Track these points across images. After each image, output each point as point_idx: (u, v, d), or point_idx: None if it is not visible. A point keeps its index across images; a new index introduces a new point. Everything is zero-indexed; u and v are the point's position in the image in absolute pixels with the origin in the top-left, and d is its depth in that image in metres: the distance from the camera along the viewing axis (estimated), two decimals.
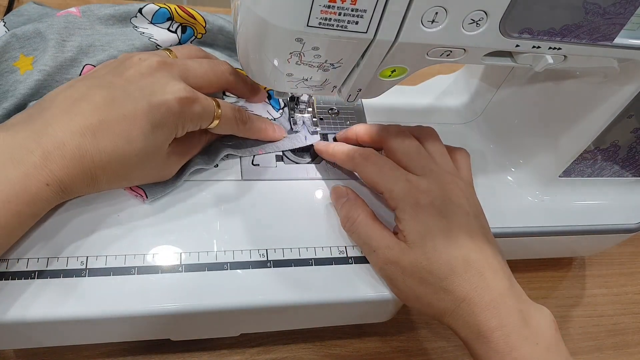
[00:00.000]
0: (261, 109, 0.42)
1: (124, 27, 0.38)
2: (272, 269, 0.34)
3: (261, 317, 0.35)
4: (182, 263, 0.33)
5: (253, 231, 0.36)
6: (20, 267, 0.31)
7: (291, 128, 0.42)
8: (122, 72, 0.32)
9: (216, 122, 0.35)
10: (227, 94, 0.42)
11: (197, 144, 0.37)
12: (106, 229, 0.33)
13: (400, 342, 0.45)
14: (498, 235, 0.40)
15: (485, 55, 0.31)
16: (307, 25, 0.26)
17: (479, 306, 0.31)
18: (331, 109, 0.46)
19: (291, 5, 0.25)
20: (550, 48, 0.30)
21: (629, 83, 0.36)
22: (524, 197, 0.45)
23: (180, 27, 0.40)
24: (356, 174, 0.40)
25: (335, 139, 0.43)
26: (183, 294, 0.32)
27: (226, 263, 0.34)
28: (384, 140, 0.38)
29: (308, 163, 0.42)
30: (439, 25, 0.27)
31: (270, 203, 0.38)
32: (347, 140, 0.41)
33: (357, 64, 0.31)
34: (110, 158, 0.29)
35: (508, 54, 0.32)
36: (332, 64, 0.30)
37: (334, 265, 0.35)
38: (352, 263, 0.36)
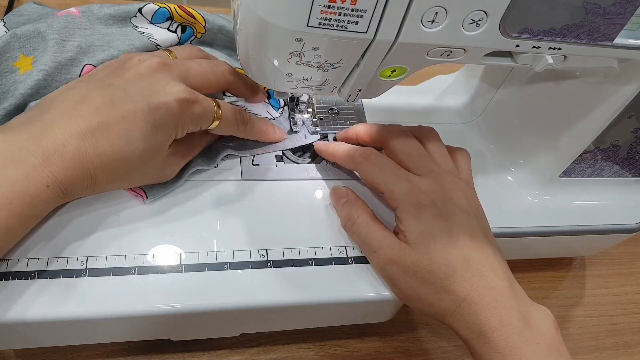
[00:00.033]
0: (261, 108, 0.42)
1: (124, 27, 0.38)
2: (272, 269, 0.34)
3: (261, 317, 0.35)
4: (182, 263, 0.33)
5: (253, 231, 0.36)
6: (21, 267, 0.31)
7: (291, 128, 0.42)
8: (121, 74, 0.32)
9: (216, 123, 0.34)
10: (227, 93, 0.42)
11: (197, 145, 0.37)
12: (106, 229, 0.33)
13: (400, 342, 0.45)
14: (498, 235, 0.40)
15: (485, 55, 0.31)
16: (307, 25, 0.26)
17: (479, 306, 0.31)
18: (331, 109, 0.46)
19: (291, 5, 0.25)
20: (550, 48, 0.30)
21: (629, 83, 0.36)
22: (524, 197, 0.45)
23: (180, 27, 0.40)
24: (356, 173, 0.40)
25: (335, 139, 0.43)
26: (183, 294, 0.32)
27: (226, 263, 0.34)
28: (385, 140, 0.38)
29: (308, 163, 0.42)
30: (439, 25, 0.27)
31: (270, 203, 0.38)
32: (347, 140, 0.41)
33: (357, 64, 0.31)
34: (110, 159, 0.29)
35: (508, 54, 0.32)
36: (332, 64, 0.30)
37: (334, 265, 0.35)
38: (352, 263, 0.36)
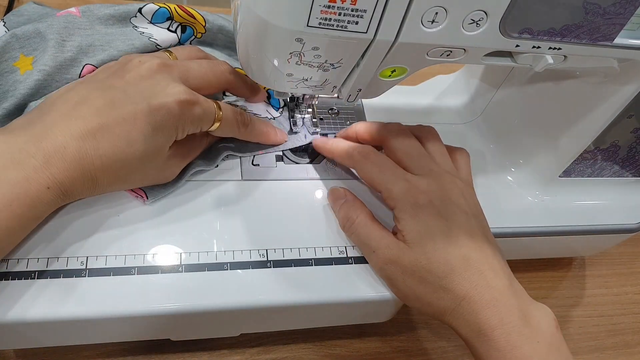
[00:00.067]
0: (261, 108, 0.42)
1: (124, 27, 0.38)
2: (272, 269, 0.34)
3: (261, 317, 0.35)
4: (182, 263, 0.33)
5: (253, 231, 0.36)
6: (21, 267, 0.31)
7: (291, 128, 0.42)
8: (122, 75, 0.32)
9: (217, 124, 0.34)
10: (227, 93, 0.42)
11: (198, 147, 0.37)
12: (106, 230, 0.33)
13: (400, 342, 0.45)
14: (498, 235, 0.40)
15: (485, 55, 0.31)
16: (307, 25, 0.26)
17: (479, 304, 0.31)
18: (331, 109, 0.46)
19: (291, 5, 0.25)
20: (550, 48, 0.30)
21: (629, 83, 0.36)
22: (524, 197, 0.45)
23: (180, 27, 0.40)
24: (354, 171, 0.40)
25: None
26: (183, 294, 0.32)
27: (226, 263, 0.34)
28: (385, 139, 0.38)
29: (308, 163, 0.42)
30: (439, 25, 0.27)
31: (270, 203, 0.38)
32: (347, 139, 0.41)
33: (357, 64, 0.31)
34: (110, 160, 0.29)
35: (508, 54, 0.32)
36: (332, 64, 0.30)
37: (334, 266, 0.35)
38: (352, 263, 0.36)
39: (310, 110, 0.43)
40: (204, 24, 0.41)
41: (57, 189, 0.28)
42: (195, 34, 0.41)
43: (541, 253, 0.51)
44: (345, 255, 0.36)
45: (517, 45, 0.29)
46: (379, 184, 0.35)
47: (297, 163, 0.41)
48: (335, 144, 0.39)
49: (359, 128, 0.40)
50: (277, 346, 0.42)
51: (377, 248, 0.34)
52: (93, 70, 0.36)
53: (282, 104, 0.44)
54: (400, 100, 0.50)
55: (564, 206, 0.45)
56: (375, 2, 0.25)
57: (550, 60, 0.31)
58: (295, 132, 0.42)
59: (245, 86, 0.39)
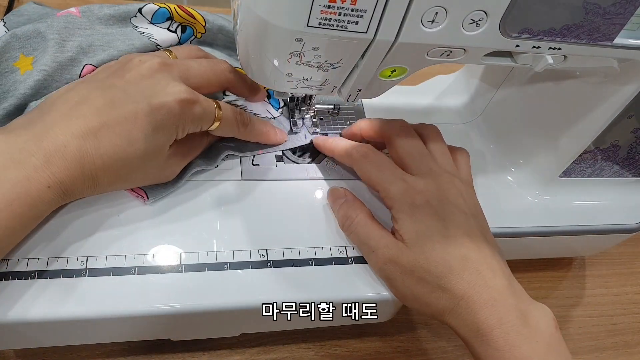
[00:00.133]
0: (261, 107, 0.42)
1: (124, 27, 0.38)
2: (272, 269, 0.34)
3: (261, 317, 0.35)
4: (182, 263, 0.33)
5: (253, 231, 0.36)
6: (21, 267, 0.31)
7: (291, 128, 0.42)
8: (122, 75, 0.32)
9: (217, 124, 0.35)
10: (227, 93, 0.42)
11: (198, 146, 0.37)
12: (106, 230, 0.33)
13: (400, 342, 0.45)
14: (498, 235, 0.40)
15: (485, 55, 0.31)
16: (307, 26, 0.26)
17: (477, 304, 0.31)
18: (331, 109, 0.46)
19: (291, 5, 0.25)
20: (550, 48, 0.30)
21: (629, 83, 0.36)
22: (524, 197, 0.45)
23: (180, 27, 0.40)
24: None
25: (341, 136, 0.43)
26: (183, 294, 0.32)
27: (226, 263, 0.34)
28: (388, 137, 0.38)
29: (308, 163, 0.42)
30: (439, 25, 0.27)
31: (270, 203, 0.38)
32: (352, 136, 0.41)
33: (357, 64, 0.31)
34: (111, 160, 0.29)
35: (508, 54, 0.32)
36: (332, 64, 0.30)
37: (334, 265, 0.35)
38: (352, 263, 0.36)
39: (310, 110, 0.43)
40: (204, 24, 0.41)
41: (58, 188, 0.28)
42: (195, 34, 0.41)
43: (541, 253, 0.51)
44: (345, 255, 0.36)
45: (517, 45, 0.29)
46: (377, 184, 0.36)
47: (297, 163, 0.41)
48: (335, 142, 0.40)
49: (363, 125, 0.40)
50: (277, 346, 0.42)
51: (376, 248, 0.34)
52: (93, 70, 0.36)
53: (282, 103, 0.44)
54: (400, 100, 0.50)
55: (564, 206, 0.45)
56: (375, 2, 0.25)
57: (550, 60, 0.31)
58: (295, 132, 0.42)
59: (245, 85, 0.39)
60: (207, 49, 0.41)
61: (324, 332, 0.44)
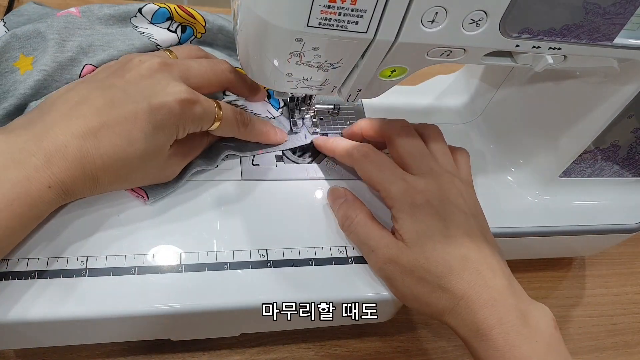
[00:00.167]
0: (261, 107, 0.42)
1: (124, 27, 0.38)
2: (272, 269, 0.34)
3: (261, 317, 0.35)
4: (182, 263, 0.33)
5: (253, 231, 0.36)
6: (21, 267, 0.31)
7: (291, 128, 0.42)
8: (122, 74, 0.32)
9: (217, 124, 0.35)
10: (227, 93, 0.42)
11: (198, 146, 0.37)
12: (106, 230, 0.33)
13: (400, 342, 0.45)
14: (498, 235, 0.40)
15: (485, 55, 0.31)
16: (307, 26, 0.26)
17: (477, 304, 0.31)
18: (331, 109, 0.46)
19: (291, 5, 0.25)
20: (550, 48, 0.30)
21: (629, 83, 0.36)
22: (524, 197, 0.45)
23: (180, 27, 0.40)
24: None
25: (342, 136, 0.43)
26: (183, 294, 0.32)
27: (226, 263, 0.34)
28: (389, 136, 0.38)
29: (308, 163, 0.42)
30: (439, 25, 0.27)
31: (270, 203, 0.38)
32: (352, 136, 0.41)
33: (357, 64, 0.31)
34: (111, 159, 0.29)
35: (508, 54, 0.32)
36: (332, 64, 0.30)
37: (334, 265, 0.35)
38: (352, 263, 0.36)
39: (310, 110, 0.43)
40: (204, 24, 0.41)
41: (58, 188, 0.28)
42: (195, 34, 0.41)
43: (541, 253, 0.51)
44: (345, 255, 0.36)
45: (517, 45, 0.29)
46: (377, 183, 0.36)
47: (297, 163, 0.41)
48: (336, 142, 0.40)
49: (364, 125, 0.40)
50: (277, 346, 0.42)
51: (376, 247, 0.34)
52: (93, 70, 0.36)
53: (282, 103, 0.44)
54: (400, 100, 0.50)
55: (564, 206, 0.45)
56: (375, 2, 0.25)
57: (550, 60, 0.31)
58: (296, 132, 0.42)
59: (245, 85, 0.39)
60: (207, 49, 0.41)
61: (324, 332, 0.44)
